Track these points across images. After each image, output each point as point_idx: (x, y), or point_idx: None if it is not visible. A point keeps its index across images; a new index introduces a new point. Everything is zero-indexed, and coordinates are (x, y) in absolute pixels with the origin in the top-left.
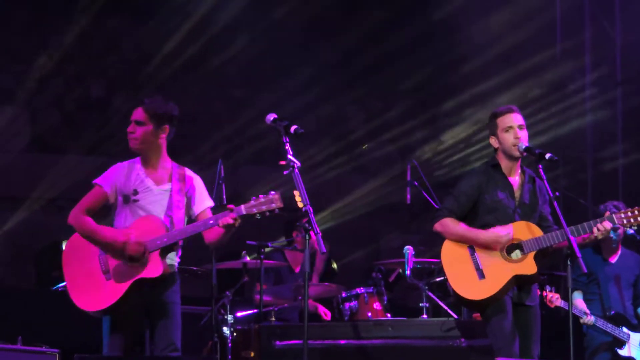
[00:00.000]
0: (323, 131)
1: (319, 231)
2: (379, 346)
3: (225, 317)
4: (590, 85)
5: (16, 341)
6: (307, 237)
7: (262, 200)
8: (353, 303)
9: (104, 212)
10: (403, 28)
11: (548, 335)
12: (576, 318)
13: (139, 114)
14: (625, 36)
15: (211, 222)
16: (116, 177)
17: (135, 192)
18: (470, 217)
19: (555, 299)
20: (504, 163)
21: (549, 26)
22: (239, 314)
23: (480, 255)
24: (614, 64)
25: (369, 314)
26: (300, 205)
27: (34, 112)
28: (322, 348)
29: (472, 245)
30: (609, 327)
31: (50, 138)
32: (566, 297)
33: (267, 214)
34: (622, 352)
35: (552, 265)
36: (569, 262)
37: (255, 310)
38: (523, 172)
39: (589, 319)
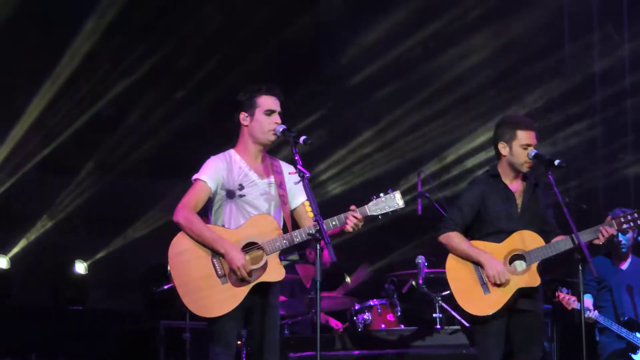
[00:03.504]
0: (333, 144)
1: (329, 240)
2: (392, 355)
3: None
4: (599, 93)
5: (31, 358)
6: (318, 247)
7: (383, 199)
8: (366, 315)
9: None
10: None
11: (561, 342)
12: (589, 327)
13: (279, 105)
14: (634, 45)
15: (334, 223)
16: (218, 171)
17: (241, 187)
18: (475, 226)
19: (572, 301)
20: (505, 172)
21: (557, 36)
22: None
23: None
24: (622, 74)
25: (383, 325)
26: (310, 215)
27: (46, 132)
28: (335, 359)
29: None
30: (624, 332)
31: (61, 158)
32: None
33: (390, 213)
34: (637, 357)
35: (567, 272)
36: (579, 267)
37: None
38: (524, 178)
39: (592, 314)
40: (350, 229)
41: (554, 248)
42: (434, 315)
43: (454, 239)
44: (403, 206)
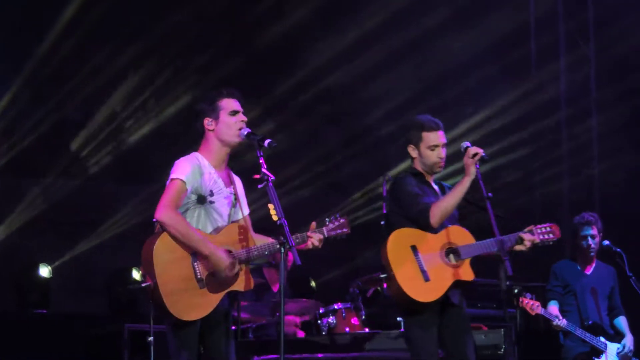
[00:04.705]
0: (298, 149)
1: (293, 244)
2: (355, 358)
3: None
4: (565, 100)
5: None
6: (282, 251)
7: (337, 224)
8: (331, 318)
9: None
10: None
11: (526, 348)
12: (554, 331)
13: (240, 107)
14: (600, 55)
15: (297, 240)
16: (195, 173)
17: (212, 193)
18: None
19: (536, 306)
20: (423, 173)
21: (524, 44)
22: None
23: (423, 256)
24: (588, 81)
25: (347, 329)
26: (274, 218)
27: (12, 135)
28: None
29: (414, 245)
30: (588, 336)
31: (27, 161)
32: (545, 307)
33: (338, 238)
34: None
35: (530, 277)
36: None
37: (233, 328)
38: (438, 184)
39: (561, 322)
40: (311, 247)
41: (484, 247)
42: (398, 319)
43: (436, 202)
44: (349, 232)
